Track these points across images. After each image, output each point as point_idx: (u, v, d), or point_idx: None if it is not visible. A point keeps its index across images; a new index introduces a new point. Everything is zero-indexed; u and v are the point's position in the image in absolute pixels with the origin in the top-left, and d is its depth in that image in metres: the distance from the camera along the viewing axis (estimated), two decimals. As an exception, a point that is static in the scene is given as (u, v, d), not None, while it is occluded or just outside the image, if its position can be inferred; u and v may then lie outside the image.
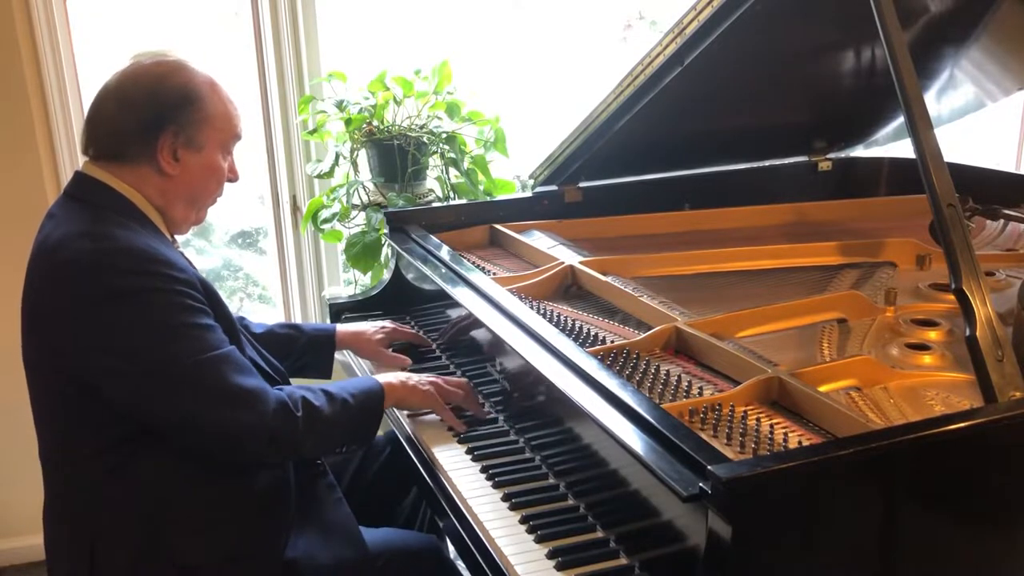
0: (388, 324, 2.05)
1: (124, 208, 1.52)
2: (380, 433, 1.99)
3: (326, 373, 2.02)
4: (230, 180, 1.66)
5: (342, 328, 2.03)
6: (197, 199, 1.62)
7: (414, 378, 1.73)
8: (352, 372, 2.09)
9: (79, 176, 1.56)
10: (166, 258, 1.47)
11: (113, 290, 1.41)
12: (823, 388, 1.44)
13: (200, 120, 1.55)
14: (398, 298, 2.26)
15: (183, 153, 1.55)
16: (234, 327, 1.58)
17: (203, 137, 1.56)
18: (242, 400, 1.46)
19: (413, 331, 2.07)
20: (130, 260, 1.43)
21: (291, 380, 1.97)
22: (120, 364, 1.42)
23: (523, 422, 1.65)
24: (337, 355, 2.04)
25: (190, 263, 1.63)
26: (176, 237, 1.64)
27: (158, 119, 1.52)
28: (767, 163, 2.59)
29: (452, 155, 2.65)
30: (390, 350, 2.00)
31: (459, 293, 1.83)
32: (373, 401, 1.65)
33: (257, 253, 3.85)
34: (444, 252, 2.07)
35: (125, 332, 1.42)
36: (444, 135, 2.65)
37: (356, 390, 1.64)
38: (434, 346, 2.05)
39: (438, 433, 1.71)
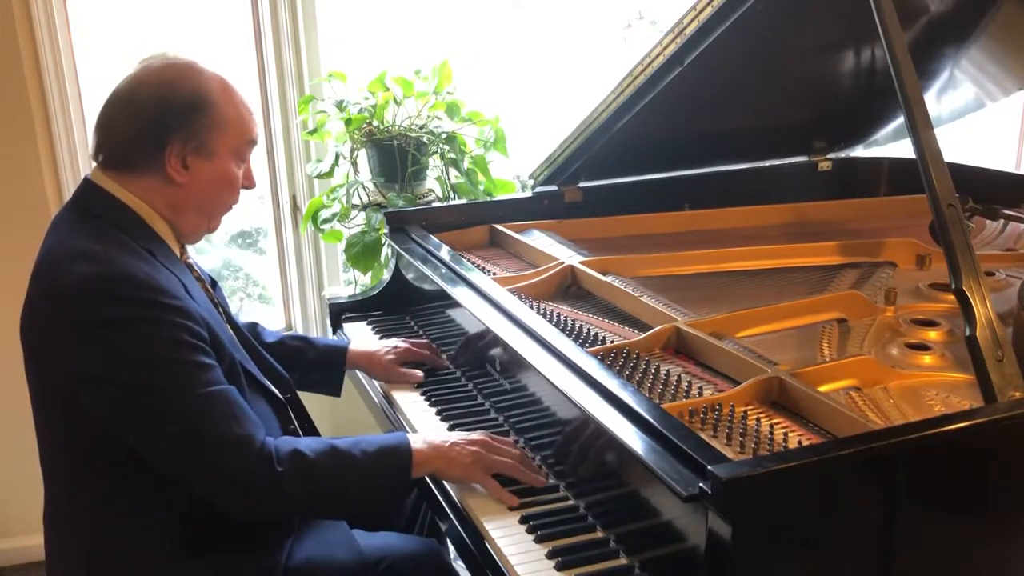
0: (400, 344, 1.98)
1: (129, 224, 1.49)
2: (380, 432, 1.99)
3: (335, 391, 1.99)
4: (246, 187, 1.61)
5: (354, 347, 1.98)
6: (208, 208, 1.57)
7: (457, 446, 1.51)
8: (360, 384, 2.07)
9: (87, 184, 1.52)
10: (163, 287, 1.41)
11: (106, 317, 1.37)
12: (823, 388, 1.44)
13: (211, 126, 1.50)
14: (398, 298, 2.26)
15: (192, 160, 1.50)
16: (234, 366, 1.52)
17: (214, 144, 1.51)
18: (221, 448, 1.39)
19: (427, 351, 1.99)
20: (126, 288, 1.38)
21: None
22: (106, 392, 1.39)
23: (523, 422, 1.64)
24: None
25: (199, 280, 1.61)
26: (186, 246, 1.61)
27: (166, 125, 1.47)
28: (767, 163, 2.59)
29: (452, 155, 2.65)
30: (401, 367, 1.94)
31: (459, 293, 1.83)
32: (393, 460, 1.48)
33: (257, 253, 3.84)
34: (444, 252, 2.07)
35: (114, 360, 1.38)
36: (444, 135, 2.65)
37: (375, 446, 1.48)
38: (448, 363, 1.98)
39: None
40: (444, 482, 1.55)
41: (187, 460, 1.41)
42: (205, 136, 1.50)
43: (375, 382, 1.99)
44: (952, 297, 1.37)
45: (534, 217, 2.35)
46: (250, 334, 1.83)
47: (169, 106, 1.48)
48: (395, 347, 1.97)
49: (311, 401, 1.87)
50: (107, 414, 1.41)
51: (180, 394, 1.39)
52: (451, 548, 1.77)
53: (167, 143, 1.48)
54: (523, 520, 1.40)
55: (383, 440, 1.51)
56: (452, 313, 1.98)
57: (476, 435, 1.54)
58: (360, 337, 2.16)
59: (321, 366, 1.96)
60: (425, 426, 1.74)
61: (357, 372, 2.05)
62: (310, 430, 1.82)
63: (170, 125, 1.48)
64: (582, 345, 1.56)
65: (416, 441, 1.51)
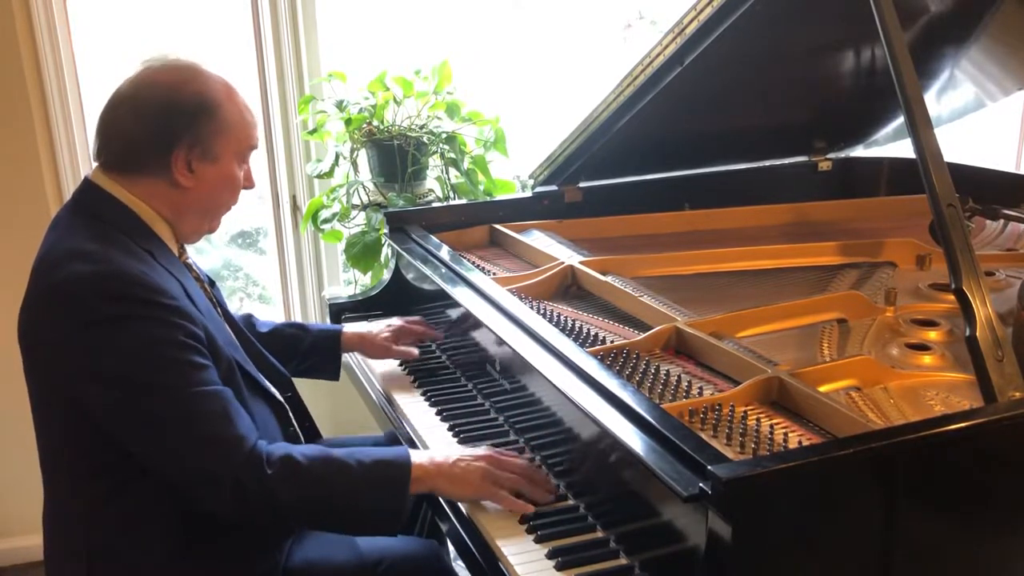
0: (396, 321, 2.02)
1: (128, 224, 1.49)
2: (380, 433, 2.00)
3: (333, 375, 2.00)
4: (246, 188, 1.61)
5: (348, 329, 2.00)
6: (210, 210, 1.58)
7: (461, 462, 1.45)
8: (359, 384, 2.07)
9: (87, 185, 1.52)
10: (160, 287, 1.41)
11: (102, 316, 1.37)
12: (823, 388, 1.44)
13: (216, 131, 1.50)
14: (398, 298, 2.26)
15: (198, 165, 1.50)
16: (232, 368, 1.51)
17: (219, 148, 1.51)
18: (211, 446, 1.38)
19: (420, 327, 2.02)
20: (122, 287, 1.38)
21: (300, 380, 1.94)
22: (101, 389, 1.39)
23: (523, 422, 1.64)
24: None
25: (198, 280, 1.61)
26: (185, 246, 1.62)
27: (173, 131, 1.47)
28: (767, 163, 2.59)
29: (452, 155, 2.65)
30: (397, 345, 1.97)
31: (459, 293, 1.83)
32: (389, 472, 1.43)
33: (257, 253, 3.84)
34: (444, 252, 2.07)
35: (110, 358, 1.37)
36: (444, 135, 2.65)
37: (372, 457, 1.44)
38: (443, 336, 2.02)
39: (438, 435, 1.71)
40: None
41: (176, 458, 1.40)
42: (211, 141, 1.50)
43: (375, 382, 1.99)
44: (952, 297, 1.37)
45: (534, 217, 2.35)
46: (245, 325, 1.84)
47: (175, 110, 1.48)
48: (388, 325, 2.00)
49: (312, 402, 1.88)
50: (102, 411, 1.41)
51: (173, 392, 1.39)
52: (451, 549, 1.77)
53: (174, 148, 1.48)
54: (523, 520, 1.40)
55: (382, 452, 1.48)
56: (452, 313, 1.98)
57: (482, 450, 1.50)
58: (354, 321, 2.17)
59: (317, 352, 1.97)
60: (425, 426, 1.75)
61: (356, 373, 2.06)
62: (311, 430, 1.82)
63: (177, 130, 1.48)
64: (582, 345, 1.56)
65: (418, 456, 1.47)
